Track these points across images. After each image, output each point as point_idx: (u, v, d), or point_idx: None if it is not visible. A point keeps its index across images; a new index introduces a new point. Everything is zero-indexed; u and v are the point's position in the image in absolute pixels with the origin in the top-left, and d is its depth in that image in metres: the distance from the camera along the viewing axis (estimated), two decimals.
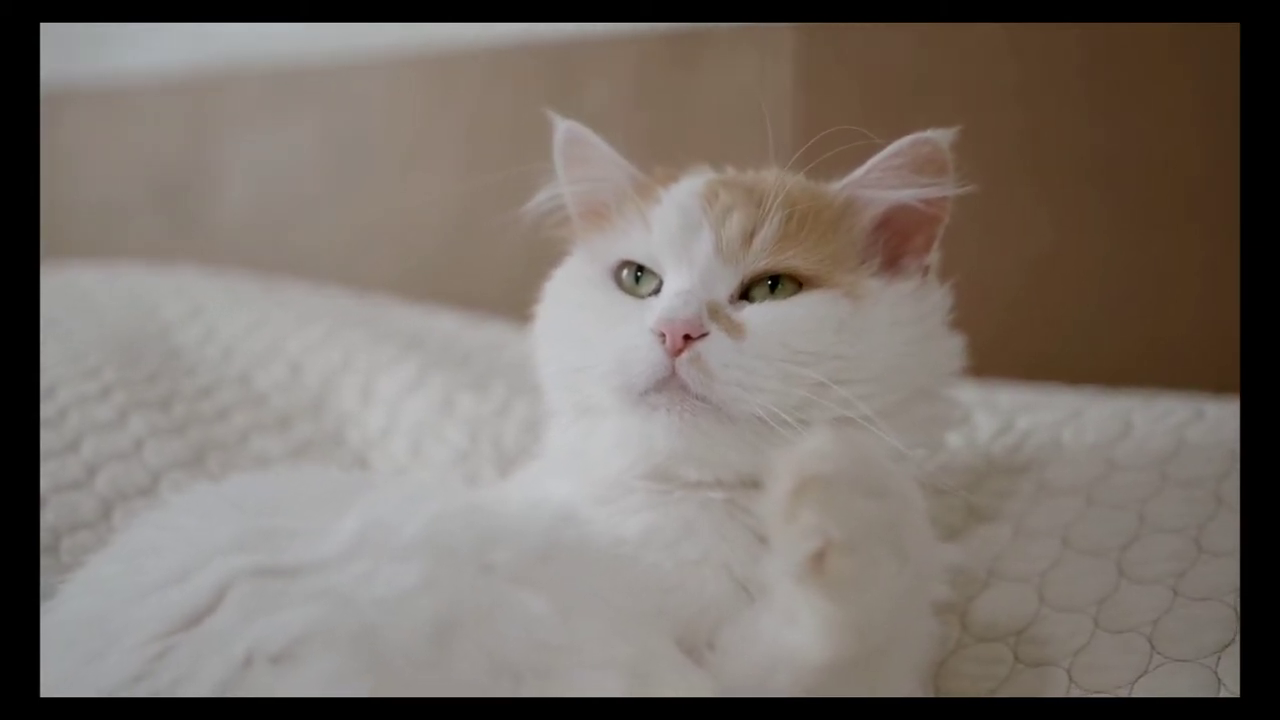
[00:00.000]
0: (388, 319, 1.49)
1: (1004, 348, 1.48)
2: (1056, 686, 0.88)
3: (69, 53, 2.09)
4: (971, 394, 1.22)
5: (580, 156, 1.01)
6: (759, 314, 0.89)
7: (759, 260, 0.90)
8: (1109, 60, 1.44)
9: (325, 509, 0.80)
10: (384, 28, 1.83)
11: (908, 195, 0.92)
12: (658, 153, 1.68)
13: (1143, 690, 0.85)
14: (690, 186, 0.95)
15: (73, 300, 1.47)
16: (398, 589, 0.74)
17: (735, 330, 0.88)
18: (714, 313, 0.88)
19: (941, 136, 0.92)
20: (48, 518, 1.08)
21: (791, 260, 0.90)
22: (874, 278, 0.92)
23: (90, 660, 0.74)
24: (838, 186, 0.94)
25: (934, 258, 0.96)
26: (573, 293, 0.97)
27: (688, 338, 0.87)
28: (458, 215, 1.80)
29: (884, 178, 0.92)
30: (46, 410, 1.20)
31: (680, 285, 0.90)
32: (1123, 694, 0.86)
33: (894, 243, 0.94)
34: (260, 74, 1.98)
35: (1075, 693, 0.87)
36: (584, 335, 0.94)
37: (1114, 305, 1.46)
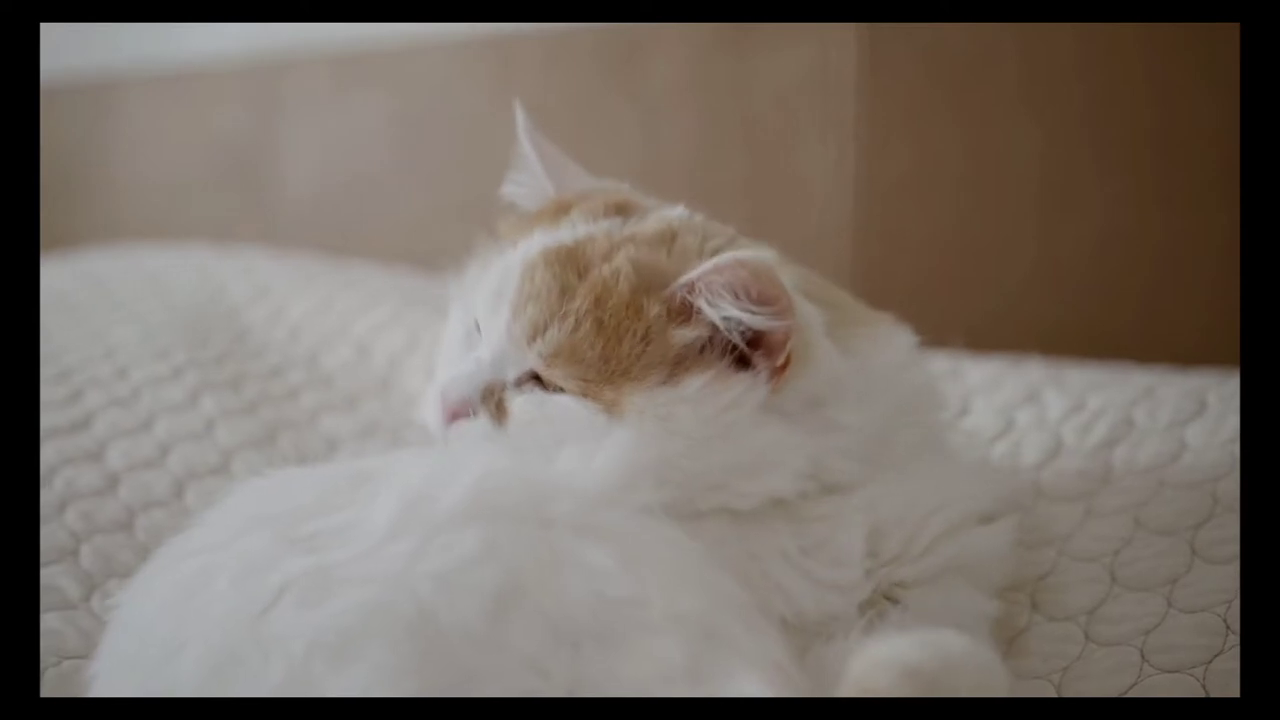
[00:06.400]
0: None
1: (1071, 326, 1.47)
2: (1129, 666, 0.88)
3: (135, 37, 2.12)
4: (1040, 372, 1.22)
5: (522, 155, 1.00)
6: (523, 406, 0.88)
7: (535, 361, 0.88)
8: (1169, 38, 1.42)
9: (351, 502, 0.79)
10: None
11: (726, 319, 0.86)
12: (717, 136, 1.69)
13: (1220, 670, 0.85)
14: (524, 253, 0.92)
15: (143, 282, 1.48)
16: (455, 559, 0.74)
17: (501, 416, 0.88)
18: (490, 394, 0.89)
19: (758, 261, 0.85)
20: (122, 495, 1.09)
21: (555, 373, 0.87)
22: (658, 387, 0.86)
23: (167, 658, 0.75)
24: (679, 282, 0.87)
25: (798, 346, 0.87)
26: (454, 304, 0.97)
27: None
28: None
29: (708, 291, 0.86)
30: (119, 390, 1.22)
31: (478, 354, 0.91)
32: (1198, 674, 0.85)
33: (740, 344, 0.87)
34: (324, 57, 1.99)
35: (1148, 672, 0.87)
36: (439, 352, 0.96)
37: (1181, 282, 1.45)
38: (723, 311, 0.85)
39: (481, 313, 0.92)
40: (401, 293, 1.47)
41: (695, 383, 0.86)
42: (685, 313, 0.87)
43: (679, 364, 0.86)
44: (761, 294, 0.84)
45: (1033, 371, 1.22)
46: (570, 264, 0.89)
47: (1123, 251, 1.47)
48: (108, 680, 0.79)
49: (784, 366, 0.86)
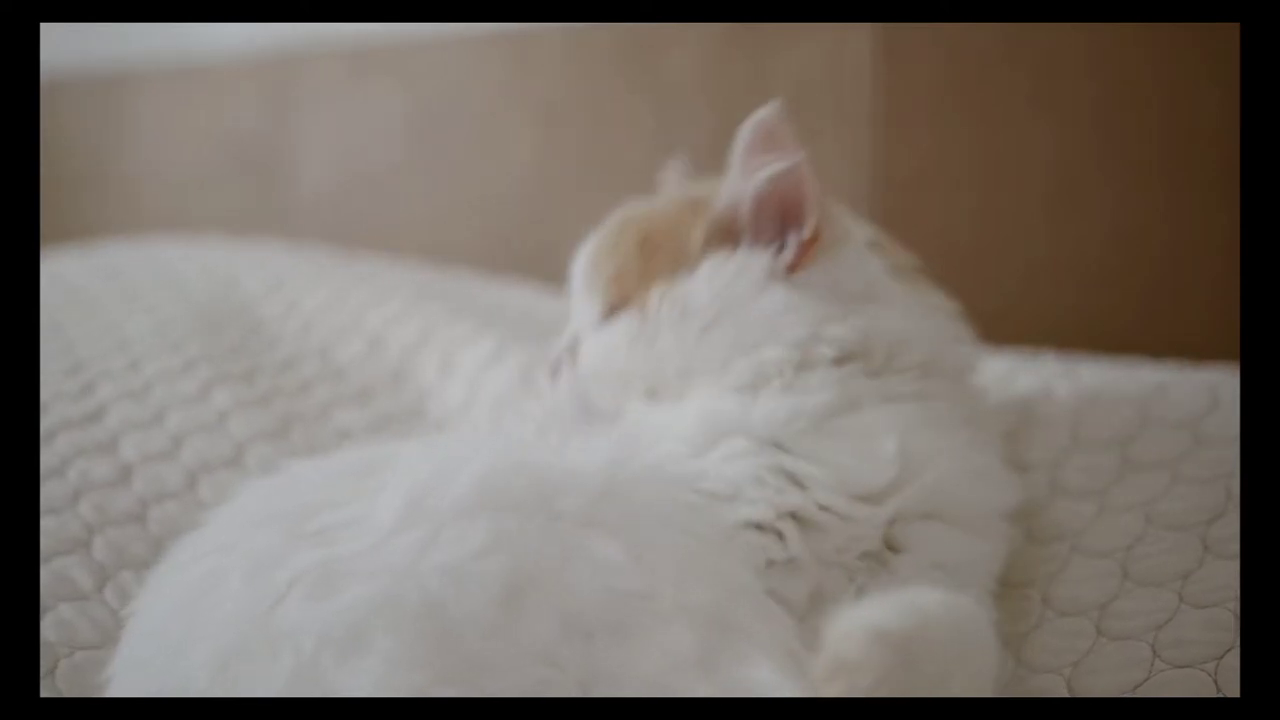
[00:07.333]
0: (466, 292, 1.50)
1: (1080, 321, 1.48)
2: (1140, 661, 0.87)
3: (149, 31, 2.12)
4: (1053, 367, 1.22)
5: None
6: (586, 345, 0.97)
7: (598, 300, 0.97)
8: (1176, 38, 1.42)
9: (358, 495, 0.79)
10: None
11: (749, 186, 0.92)
12: (731, 133, 1.69)
13: (1231, 665, 0.84)
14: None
15: (157, 274, 1.49)
16: (463, 552, 0.74)
17: (573, 361, 0.97)
18: (573, 346, 0.98)
19: (765, 113, 0.92)
20: (135, 487, 1.10)
21: (605, 298, 0.96)
22: (678, 277, 0.93)
23: (178, 656, 0.75)
24: (721, 199, 0.94)
25: (821, 222, 0.93)
26: None
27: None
28: (536, 189, 1.81)
29: (741, 168, 0.93)
30: (133, 383, 1.22)
31: (572, 323, 1.00)
32: (1209, 669, 0.85)
33: (776, 224, 0.93)
34: (338, 51, 1.99)
35: (1160, 667, 0.86)
36: None
37: (1189, 279, 1.45)
38: (751, 189, 0.92)
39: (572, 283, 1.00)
40: (415, 286, 1.47)
41: (709, 263, 0.93)
42: (729, 227, 0.93)
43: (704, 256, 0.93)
44: (767, 139, 0.91)
45: (1046, 366, 1.22)
46: (632, 218, 0.98)
47: (1131, 248, 1.47)
48: (121, 682, 0.80)
49: (811, 243, 0.91)
